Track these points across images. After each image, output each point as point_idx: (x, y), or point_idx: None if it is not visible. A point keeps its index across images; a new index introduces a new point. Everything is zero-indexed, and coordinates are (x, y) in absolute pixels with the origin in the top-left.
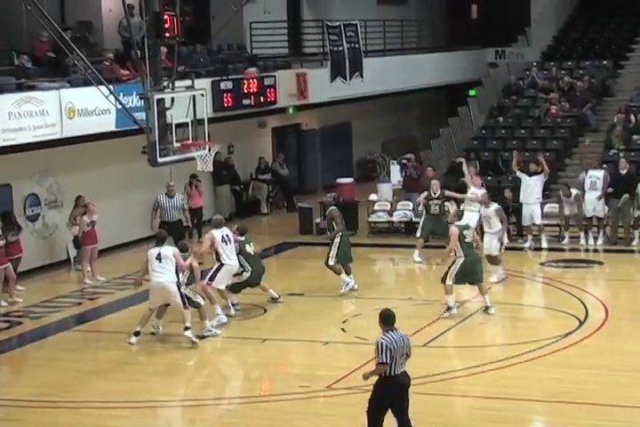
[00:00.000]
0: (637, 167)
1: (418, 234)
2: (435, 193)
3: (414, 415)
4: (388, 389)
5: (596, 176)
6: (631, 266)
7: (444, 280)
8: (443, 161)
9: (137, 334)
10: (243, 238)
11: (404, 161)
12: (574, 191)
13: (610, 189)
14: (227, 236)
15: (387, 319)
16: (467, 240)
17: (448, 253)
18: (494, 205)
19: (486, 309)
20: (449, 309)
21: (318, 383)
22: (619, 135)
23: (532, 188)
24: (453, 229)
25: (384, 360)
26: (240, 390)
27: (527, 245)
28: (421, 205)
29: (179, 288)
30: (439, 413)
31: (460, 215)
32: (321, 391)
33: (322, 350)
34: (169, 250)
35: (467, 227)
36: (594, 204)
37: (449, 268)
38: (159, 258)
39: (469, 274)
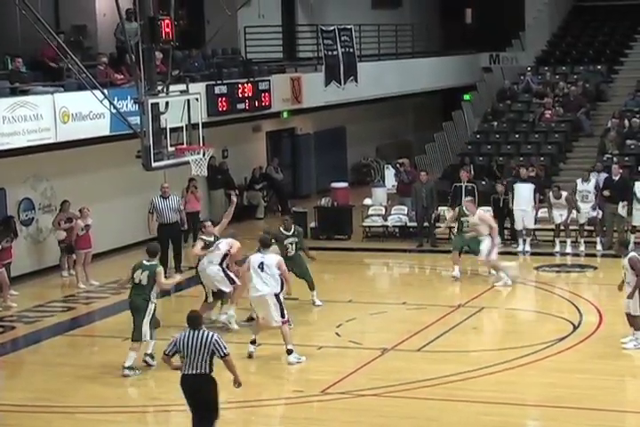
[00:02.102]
0: (631, 172)
1: (452, 249)
2: (466, 211)
3: (408, 420)
4: (180, 385)
5: (587, 190)
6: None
7: None
8: (437, 165)
9: (253, 342)
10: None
11: (397, 165)
12: (564, 193)
13: (606, 193)
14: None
15: (189, 321)
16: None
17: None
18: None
19: None
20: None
21: (312, 388)
22: (613, 140)
23: (522, 193)
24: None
25: (165, 351)
26: (234, 394)
27: (520, 249)
28: (449, 222)
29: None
30: (433, 417)
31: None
32: (315, 396)
33: (316, 354)
34: (272, 258)
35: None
36: (585, 215)
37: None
38: (261, 267)
39: None
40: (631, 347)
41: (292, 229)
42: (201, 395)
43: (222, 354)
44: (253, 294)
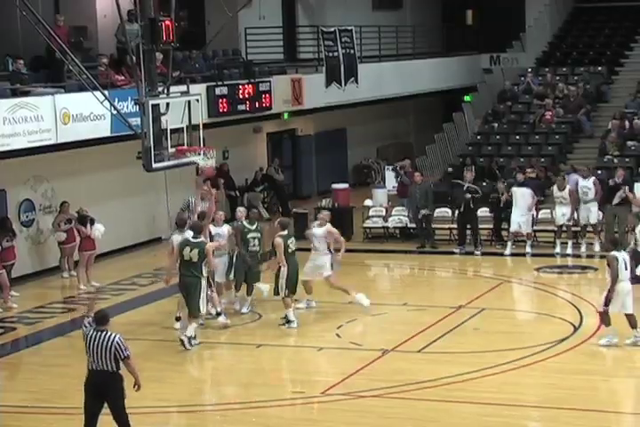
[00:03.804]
0: (632, 174)
1: None
2: None
3: (409, 421)
4: (85, 381)
5: (587, 186)
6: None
7: (277, 293)
8: (438, 167)
9: None
10: (285, 233)
11: (397, 168)
12: (569, 185)
13: (624, 193)
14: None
15: (95, 320)
16: (290, 250)
17: (277, 262)
18: None
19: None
20: (289, 322)
21: (313, 389)
22: (613, 141)
23: (519, 199)
24: (278, 240)
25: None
26: (234, 395)
27: (507, 252)
28: None
29: None
30: (434, 419)
31: (283, 225)
32: (316, 397)
33: (317, 355)
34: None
35: (290, 237)
36: (587, 212)
37: (277, 280)
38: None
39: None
40: (604, 343)
41: (256, 225)
42: (102, 391)
43: (122, 356)
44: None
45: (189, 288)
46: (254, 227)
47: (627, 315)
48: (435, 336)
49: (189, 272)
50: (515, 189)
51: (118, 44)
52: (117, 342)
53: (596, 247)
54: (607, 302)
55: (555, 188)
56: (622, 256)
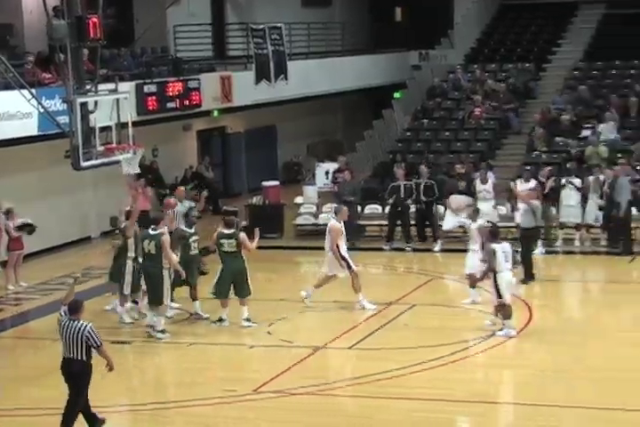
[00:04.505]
0: (560, 170)
1: None
2: None
3: (341, 418)
4: (60, 368)
5: (487, 190)
6: (555, 267)
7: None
8: (368, 163)
9: None
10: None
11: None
12: (491, 179)
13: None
14: None
15: (69, 308)
16: (224, 249)
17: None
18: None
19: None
20: (220, 320)
21: (245, 387)
22: (540, 137)
23: (458, 201)
24: (214, 237)
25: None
26: (165, 394)
27: (437, 248)
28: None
29: None
30: (366, 415)
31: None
32: (247, 395)
33: (248, 353)
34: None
35: (228, 236)
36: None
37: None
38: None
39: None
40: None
41: (194, 228)
42: (75, 378)
43: (95, 345)
44: None
45: (152, 279)
46: (194, 230)
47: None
48: (365, 333)
49: (150, 264)
50: (454, 197)
51: (50, 41)
52: (89, 331)
53: (539, 250)
54: (499, 294)
55: (477, 181)
56: (503, 248)
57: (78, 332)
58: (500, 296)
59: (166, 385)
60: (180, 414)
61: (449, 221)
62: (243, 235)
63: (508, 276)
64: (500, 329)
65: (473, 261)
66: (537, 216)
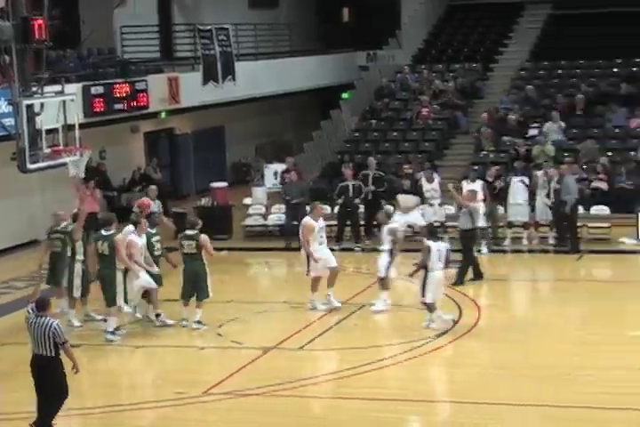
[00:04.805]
0: (507, 169)
1: None
2: None
3: (293, 419)
4: (29, 365)
5: (475, 190)
6: (503, 266)
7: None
8: (316, 164)
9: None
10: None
11: (284, 174)
12: (437, 178)
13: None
14: None
15: (35, 306)
16: (184, 251)
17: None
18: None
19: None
20: (200, 322)
21: (195, 389)
22: (488, 137)
23: (405, 200)
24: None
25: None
26: (114, 398)
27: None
28: None
29: None
30: (318, 416)
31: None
32: (198, 397)
33: (198, 355)
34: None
35: (189, 237)
36: (436, 215)
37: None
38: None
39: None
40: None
41: (156, 228)
42: (44, 375)
43: (60, 341)
44: None
45: (105, 280)
46: (155, 231)
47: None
48: (316, 333)
49: (103, 265)
50: (400, 196)
51: None
52: (55, 328)
53: (483, 249)
54: (424, 292)
55: (423, 181)
56: (438, 247)
57: (46, 328)
58: (424, 295)
59: (116, 388)
60: (130, 417)
61: (399, 221)
62: (204, 237)
63: (438, 275)
64: (376, 303)
65: (382, 262)
66: (475, 218)
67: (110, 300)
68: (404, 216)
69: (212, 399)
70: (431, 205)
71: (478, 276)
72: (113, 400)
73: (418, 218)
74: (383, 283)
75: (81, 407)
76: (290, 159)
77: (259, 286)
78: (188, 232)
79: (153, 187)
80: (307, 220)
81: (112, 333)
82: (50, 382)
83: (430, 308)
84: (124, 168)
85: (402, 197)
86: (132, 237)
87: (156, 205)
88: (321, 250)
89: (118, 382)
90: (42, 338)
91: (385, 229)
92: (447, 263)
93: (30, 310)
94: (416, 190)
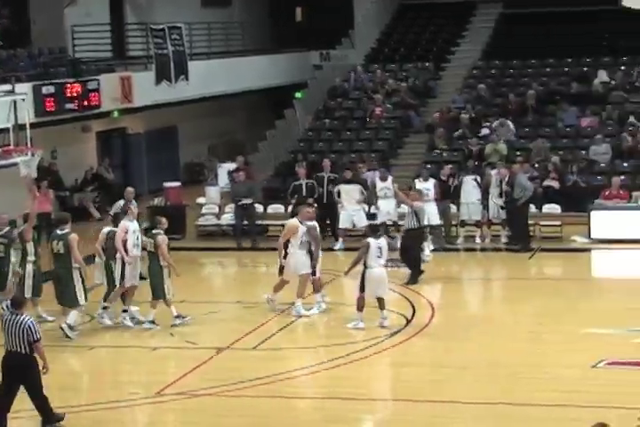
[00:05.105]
0: (460, 168)
1: None
2: None
3: (245, 419)
4: (1, 361)
5: (426, 188)
6: (456, 265)
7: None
8: (270, 163)
9: None
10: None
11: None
12: (391, 177)
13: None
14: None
15: (11, 303)
16: (148, 249)
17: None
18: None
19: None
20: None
21: (148, 390)
22: (441, 136)
23: (349, 194)
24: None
25: None
26: (68, 399)
27: (337, 246)
28: None
29: None
30: (270, 415)
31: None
32: (150, 398)
33: (151, 355)
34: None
35: (151, 236)
36: (427, 214)
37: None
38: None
39: None
40: (351, 326)
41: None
42: (16, 372)
43: (33, 339)
44: None
45: (60, 280)
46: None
47: (378, 298)
48: (269, 333)
49: (59, 264)
50: (342, 187)
51: None
52: (29, 325)
53: (428, 248)
54: (362, 288)
55: (377, 179)
56: (377, 244)
57: (20, 325)
58: (362, 290)
59: (68, 390)
60: (82, 418)
61: (345, 220)
62: (160, 238)
63: (377, 272)
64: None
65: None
66: (421, 217)
67: (70, 300)
68: (348, 210)
69: (165, 400)
70: (377, 206)
71: (415, 280)
72: (67, 402)
73: (361, 219)
74: (315, 284)
75: (31, 409)
76: (240, 158)
77: (212, 285)
78: (154, 231)
79: (130, 189)
80: (292, 220)
81: (71, 327)
82: (27, 380)
83: (380, 305)
84: (76, 168)
85: (343, 187)
86: (124, 223)
87: (134, 206)
88: (296, 254)
89: (72, 384)
90: (16, 335)
91: (301, 228)
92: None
93: (5, 308)
94: (360, 182)
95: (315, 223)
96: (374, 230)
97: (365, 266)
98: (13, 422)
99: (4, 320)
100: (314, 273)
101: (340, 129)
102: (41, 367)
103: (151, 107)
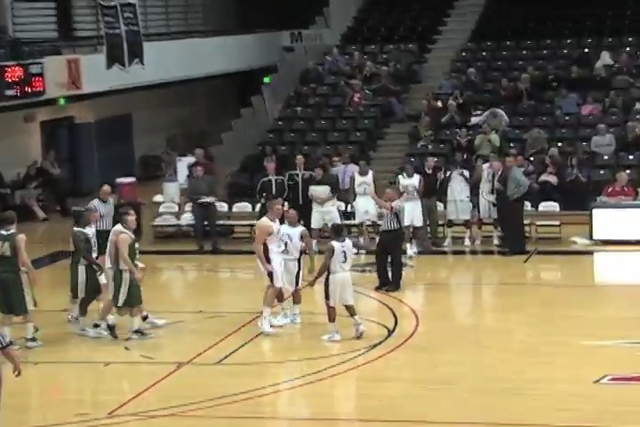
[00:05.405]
0: (447, 161)
1: None
2: None
3: None
4: None
5: (412, 184)
6: (443, 269)
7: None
8: (236, 156)
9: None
10: None
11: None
12: (371, 171)
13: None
14: None
15: None
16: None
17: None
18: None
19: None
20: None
21: (99, 410)
22: (426, 126)
23: (318, 193)
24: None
25: None
26: (10, 421)
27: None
28: None
29: None
30: None
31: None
32: (102, 419)
33: (103, 371)
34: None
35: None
36: (411, 213)
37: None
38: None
39: None
40: (326, 339)
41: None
42: None
43: (2, 345)
44: None
45: (6, 285)
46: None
47: (346, 306)
48: (234, 346)
49: (4, 268)
50: (312, 189)
51: None
52: None
53: (413, 249)
54: (327, 295)
55: (356, 174)
56: (342, 247)
57: None
58: (327, 297)
59: (12, 410)
60: None
61: (316, 219)
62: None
63: (342, 277)
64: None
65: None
66: (400, 217)
67: (18, 307)
68: (320, 210)
69: (118, 422)
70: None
71: (384, 284)
72: (8, 424)
73: (335, 219)
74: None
75: None
76: (199, 151)
77: (171, 293)
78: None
79: (105, 187)
80: (262, 219)
81: (33, 339)
82: None
83: (350, 312)
84: (18, 162)
85: (312, 190)
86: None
87: (110, 205)
88: (277, 260)
89: (15, 404)
90: None
91: (275, 226)
92: (358, 249)
93: None
94: (330, 183)
95: (303, 228)
96: (338, 232)
97: (329, 271)
98: None
99: None
100: (297, 283)
101: (314, 118)
102: (12, 371)
103: (102, 93)
